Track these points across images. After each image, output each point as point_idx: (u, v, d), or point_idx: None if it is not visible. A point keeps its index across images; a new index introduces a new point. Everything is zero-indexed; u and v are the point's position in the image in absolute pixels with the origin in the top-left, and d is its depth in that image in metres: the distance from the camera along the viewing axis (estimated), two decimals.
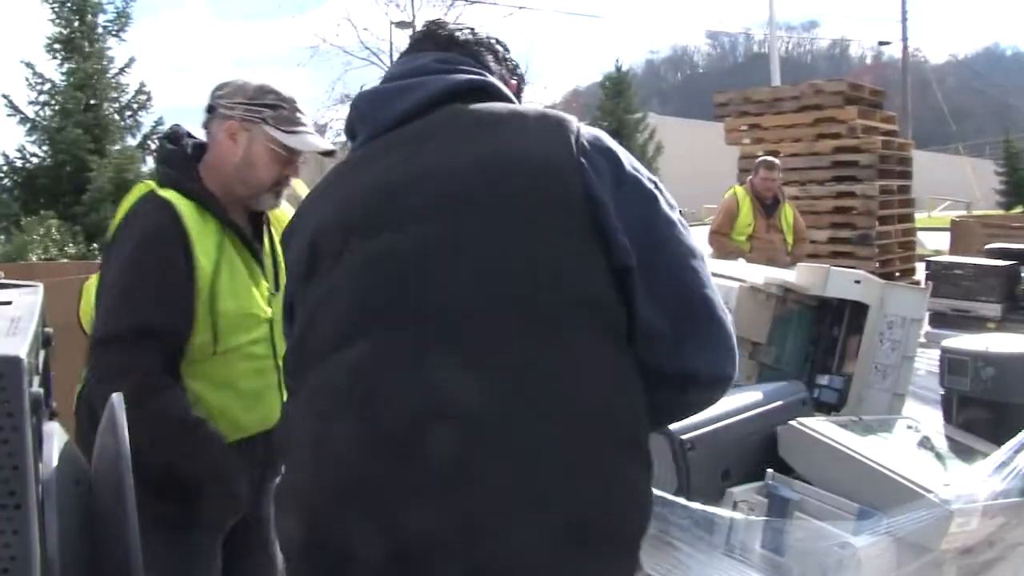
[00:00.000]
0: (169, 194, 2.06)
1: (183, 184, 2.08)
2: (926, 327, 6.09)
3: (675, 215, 1.35)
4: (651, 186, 1.34)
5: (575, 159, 1.29)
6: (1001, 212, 29.32)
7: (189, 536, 2.04)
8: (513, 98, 1.49)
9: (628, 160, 1.35)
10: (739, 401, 1.99)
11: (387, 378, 1.20)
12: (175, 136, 2.21)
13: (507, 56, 1.58)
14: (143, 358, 1.95)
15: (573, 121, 1.36)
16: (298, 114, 2.15)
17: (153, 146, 12.56)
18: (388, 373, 1.20)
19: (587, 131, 1.35)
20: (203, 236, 2.05)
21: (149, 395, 1.90)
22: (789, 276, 2.49)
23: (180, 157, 2.15)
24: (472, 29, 1.56)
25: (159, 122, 13.57)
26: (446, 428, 1.15)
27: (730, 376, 1.35)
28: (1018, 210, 34.06)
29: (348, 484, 1.18)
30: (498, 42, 1.57)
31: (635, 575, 1.27)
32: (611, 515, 1.20)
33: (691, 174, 37.62)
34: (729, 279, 2.56)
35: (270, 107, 2.11)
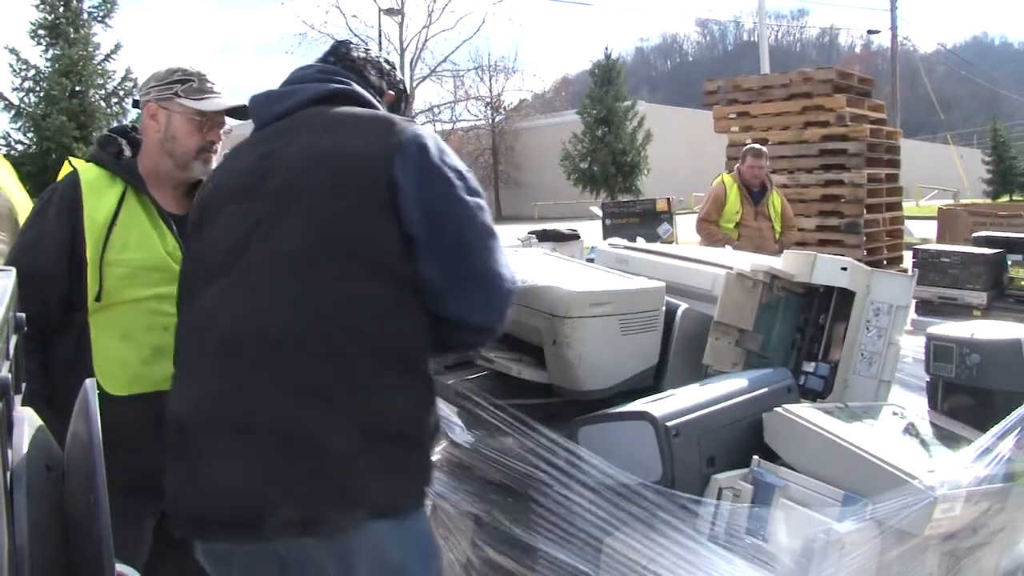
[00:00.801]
0: (80, 164, 2.32)
1: (97, 157, 2.32)
2: (913, 314, 6.14)
3: (473, 199, 1.75)
4: (452, 175, 1.74)
5: (388, 153, 1.70)
6: (988, 201, 29.46)
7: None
8: (377, 105, 1.93)
9: (438, 155, 1.75)
10: (725, 388, 1.99)
11: (220, 310, 1.69)
12: (120, 130, 2.44)
13: (391, 72, 2.07)
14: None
15: (406, 125, 1.76)
16: (207, 83, 2.35)
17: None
18: (222, 306, 1.69)
19: (412, 131, 1.75)
20: (100, 195, 2.24)
21: None
22: (776, 263, 2.48)
23: (108, 141, 2.37)
24: (368, 49, 2.05)
25: None
26: (255, 343, 1.64)
27: (493, 327, 1.83)
28: (1005, 199, 34.25)
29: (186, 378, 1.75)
30: (386, 61, 2.08)
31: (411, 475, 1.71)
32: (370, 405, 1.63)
33: (680, 162, 37.64)
34: (716, 266, 2.55)
35: (179, 82, 2.33)
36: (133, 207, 2.27)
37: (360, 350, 1.64)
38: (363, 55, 2.02)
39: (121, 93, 13.49)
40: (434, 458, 2.43)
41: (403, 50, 40.21)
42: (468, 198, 1.74)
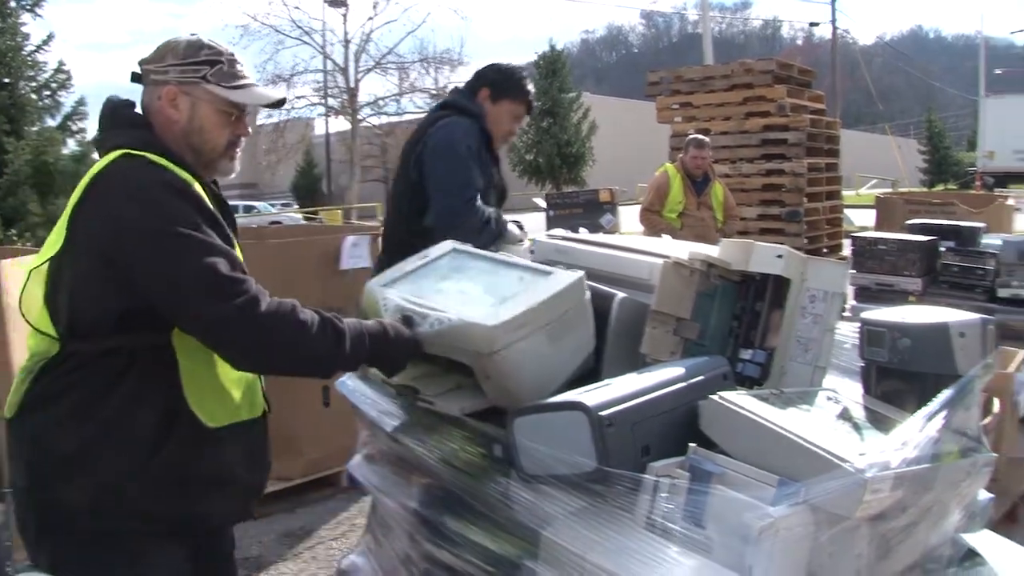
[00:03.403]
0: (155, 158, 1.89)
1: (161, 149, 1.92)
2: (852, 301, 6.25)
3: None
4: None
5: None
6: (924, 189, 30.10)
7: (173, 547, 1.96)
8: None
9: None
10: (660, 377, 1.99)
11: None
12: (126, 102, 2.03)
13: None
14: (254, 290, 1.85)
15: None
16: (238, 67, 2.01)
17: (75, 128, 12.14)
18: None
19: None
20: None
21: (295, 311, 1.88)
22: (713, 252, 2.49)
23: (144, 121, 1.98)
24: None
25: (81, 102, 13.15)
26: None
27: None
28: (940, 187, 35.04)
29: None
30: None
31: None
32: None
33: (625, 152, 37.89)
34: (654, 255, 2.56)
35: (207, 63, 1.97)
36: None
37: None
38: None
39: (54, 85, 13.08)
40: (367, 452, 2.41)
41: (347, 42, 39.79)
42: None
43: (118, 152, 1.89)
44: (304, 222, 24.96)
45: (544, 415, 1.89)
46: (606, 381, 1.99)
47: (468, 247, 2.48)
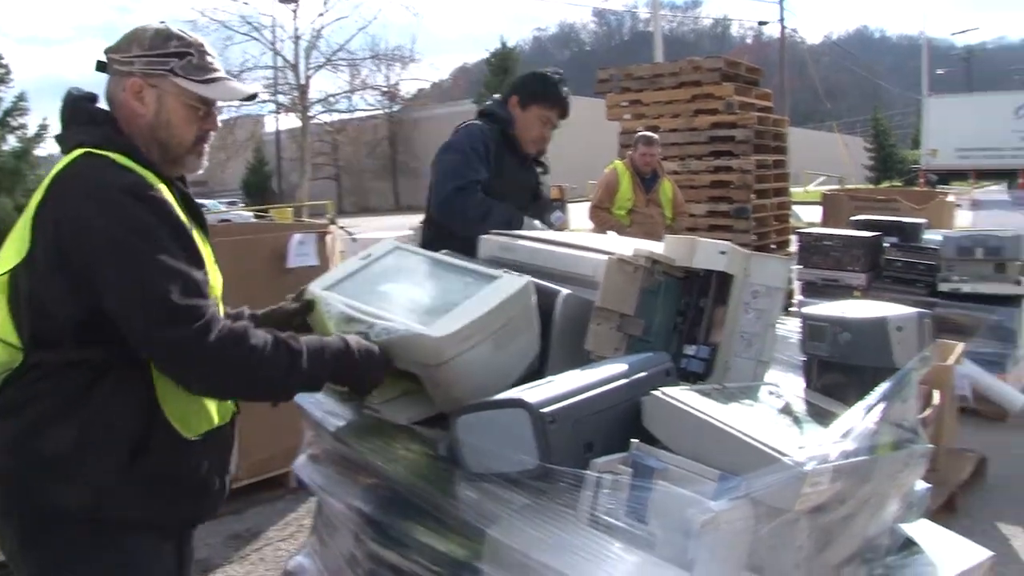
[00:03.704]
0: (119, 158, 1.79)
1: (125, 147, 1.82)
2: (799, 296, 6.33)
3: None
4: None
5: None
6: (870, 186, 30.66)
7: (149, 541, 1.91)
8: None
9: None
10: (603, 373, 1.99)
11: None
12: (87, 96, 1.93)
13: None
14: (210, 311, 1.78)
15: None
16: (208, 58, 1.92)
17: (15, 124, 11.80)
18: None
19: None
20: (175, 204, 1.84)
21: (247, 336, 1.81)
22: (657, 248, 2.50)
23: (106, 117, 1.88)
24: None
25: (22, 97, 12.78)
26: None
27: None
28: (886, 184, 35.71)
29: None
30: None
31: None
32: None
33: (578, 150, 37.98)
34: (598, 252, 2.56)
35: (175, 55, 1.87)
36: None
37: None
38: None
39: None
40: (312, 452, 2.39)
41: (297, 38, 39.45)
42: None
43: (80, 151, 1.80)
44: (254, 220, 24.65)
45: (486, 413, 1.89)
46: (549, 378, 1.99)
47: (410, 247, 2.47)
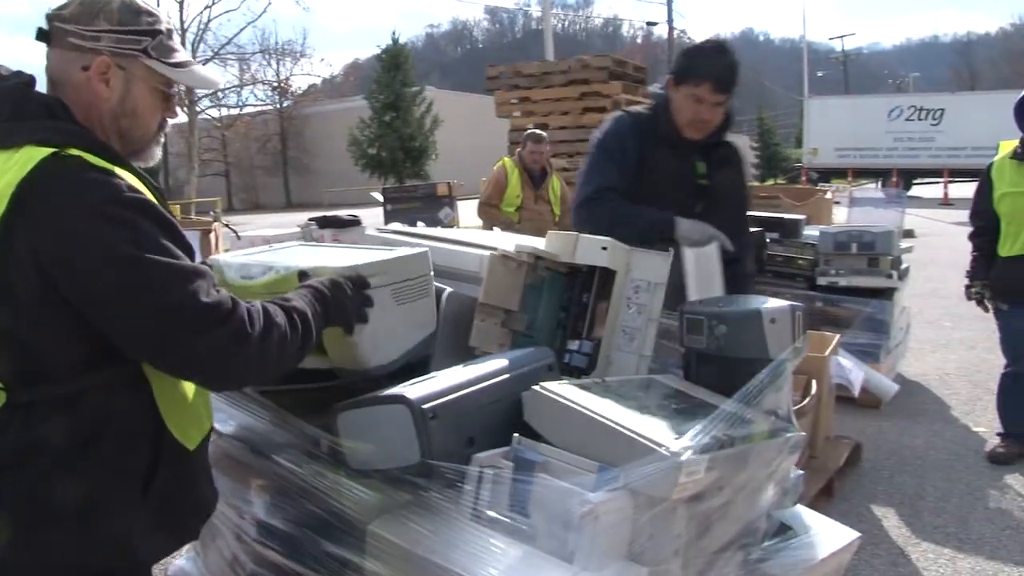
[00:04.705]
0: (92, 159, 1.50)
1: (93, 144, 1.53)
2: None
3: None
4: None
5: None
6: (756, 184, 31.64)
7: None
8: None
9: None
10: (485, 368, 2.00)
11: None
12: (28, 79, 1.60)
13: None
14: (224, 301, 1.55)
15: None
16: (176, 39, 1.68)
17: None
18: None
19: None
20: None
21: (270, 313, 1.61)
22: (540, 244, 2.52)
23: (62, 107, 1.57)
24: None
25: None
26: None
27: None
28: (771, 182, 36.93)
29: None
30: None
31: None
32: None
33: (468, 147, 38.05)
34: (484, 248, 2.57)
35: (148, 33, 1.61)
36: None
37: None
38: None
39: None
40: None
41: (184, 31, 38.28)
42: None
43: (42, 153, 1.47)
44: None
45: (368, 409, 1.87)
46: (432, 374, 1.99)
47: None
